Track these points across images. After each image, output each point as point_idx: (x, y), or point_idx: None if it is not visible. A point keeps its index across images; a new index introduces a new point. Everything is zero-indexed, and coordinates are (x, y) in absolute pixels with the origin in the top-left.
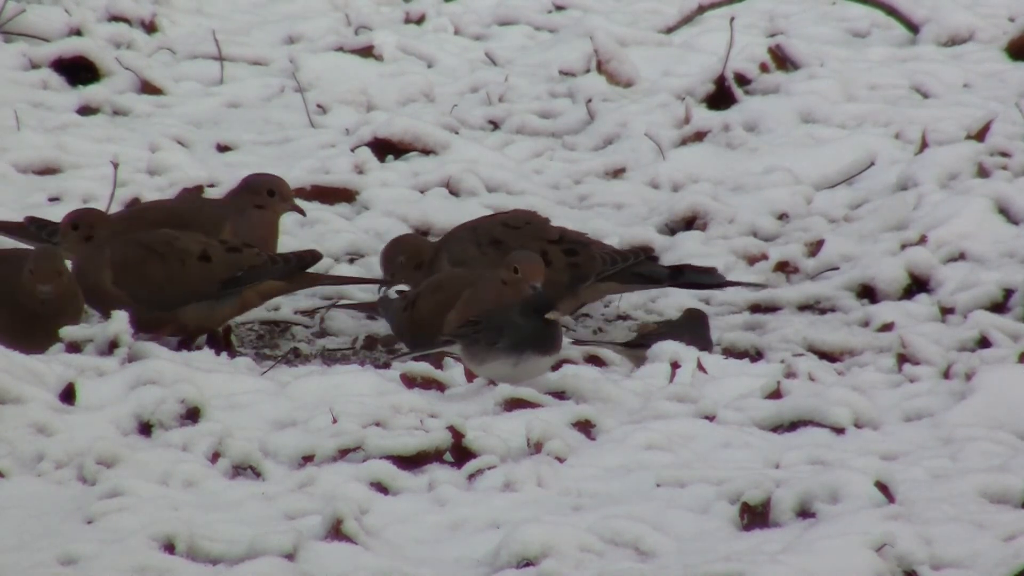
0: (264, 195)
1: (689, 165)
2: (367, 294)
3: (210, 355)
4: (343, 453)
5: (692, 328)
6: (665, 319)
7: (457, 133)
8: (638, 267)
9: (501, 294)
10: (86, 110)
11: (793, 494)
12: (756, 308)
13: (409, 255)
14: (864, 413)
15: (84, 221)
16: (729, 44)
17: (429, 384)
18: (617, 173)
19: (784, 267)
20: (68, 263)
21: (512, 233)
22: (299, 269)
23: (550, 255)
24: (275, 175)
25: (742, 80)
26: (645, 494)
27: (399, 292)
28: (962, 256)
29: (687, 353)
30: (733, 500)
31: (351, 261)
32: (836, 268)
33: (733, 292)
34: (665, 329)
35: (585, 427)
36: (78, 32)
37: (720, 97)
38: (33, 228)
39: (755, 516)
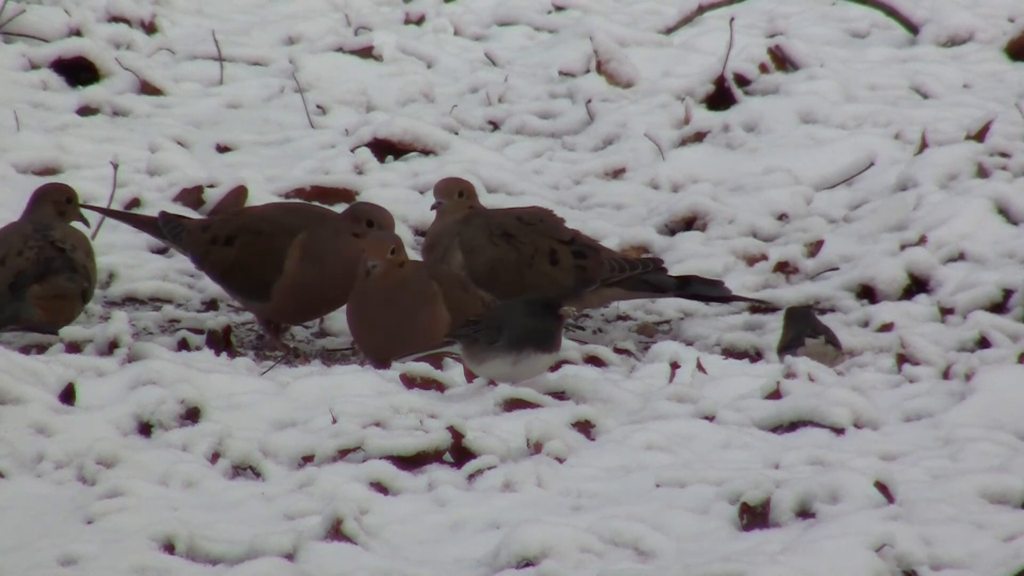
0: (363, 224)
1: (689, 165)
2: None
3: (210, 356)
4: (343, 453)
5: None
6: (665, 319)
7: (457, 133)
8: (645, 275)
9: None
10: (86, 110)
11: (793, 494)
12: (756, 308)
13: (468, 194)
14: (864, 413)
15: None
16: (729, 44)
17: (429, 384)
18: (617, 173)
19: (784, 267)
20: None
21: (525, 228)
22: None
23: (559, 254)
24: (381, 207)
25: (742, 81)
26: (645, 494)
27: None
28: (962, 256)
29: (687, 353)
30: (733, 500)
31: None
32: (836, 268)
33: (733, 292)
34: None
35: (585, 427)
36: (78, 32)
37: (720, 97)
38: (165, 227)
39: (755, 516)
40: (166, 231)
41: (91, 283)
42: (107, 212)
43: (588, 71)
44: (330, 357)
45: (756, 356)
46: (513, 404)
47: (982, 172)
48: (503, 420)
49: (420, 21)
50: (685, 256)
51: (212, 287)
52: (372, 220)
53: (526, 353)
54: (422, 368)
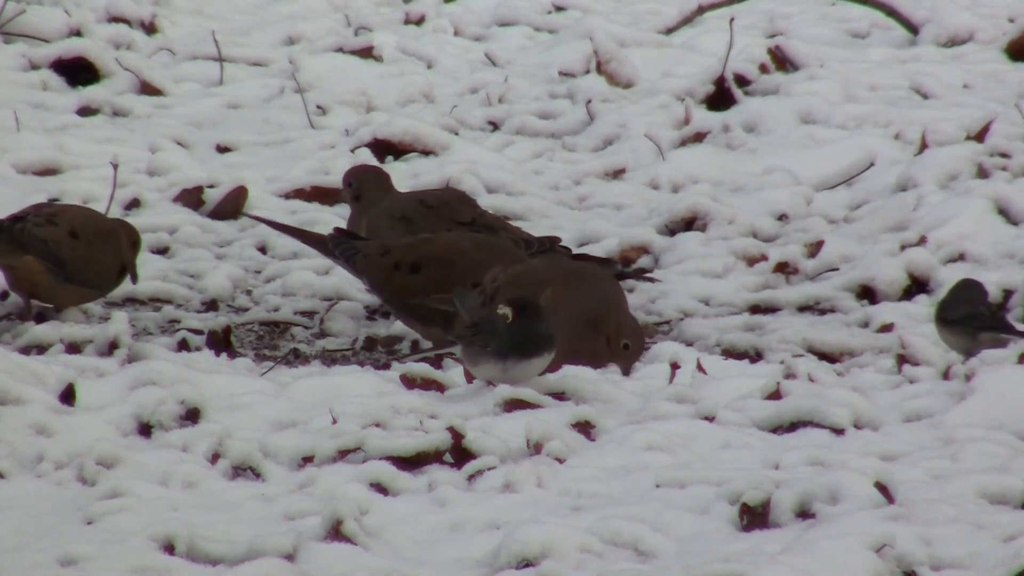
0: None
1: (689, 166)
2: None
3: (210, 356)
4: (343, 454)
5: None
6: (665, 319)
7: (457, 134)
8: (542, 254)
9: (594, 344)
10: (86, 111)
11: (793, 495)
12: (756, 309)
13: (359, 184)
14: (864, 414)
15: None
16: (729, 45)
17: (429, 385)
18: (617, 174)
19: (784, 268)
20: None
21: (425, 212)
22: None
23: None
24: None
25: (742, 81)
26: (645, 495)
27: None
28: (962, 257)
29: (687, 353)
30: (733, 501)
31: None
32: (836, 269)
33: (733, 293)
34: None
35: (585, 428)
36: (78, 33)
37: (720, 98)
38: (337, 247)
39: (755, 517)
40: (338, 252)
41: (67, 265)
42: (274, 225)
43: (588, 71)
44: (330, 358)
45: (756, 357)
46: (513, 405)
47: (982, 172)
48: (503, 421)
49: (420, 21)
50: (685, 256)
51: (212, 287)
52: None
53: (512, 361)
54: (422, 369)
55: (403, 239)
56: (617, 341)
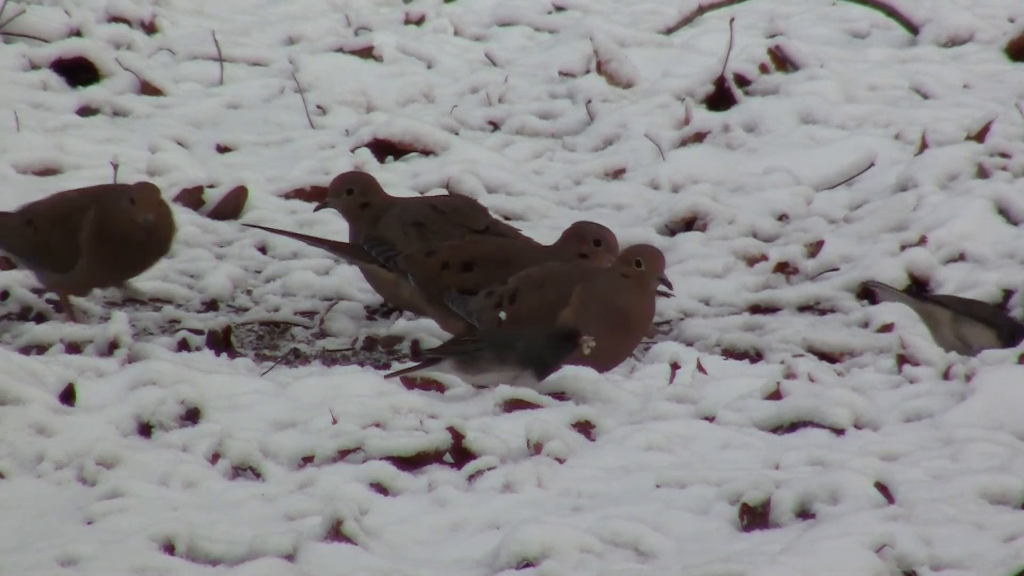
0: (590, 244)
1: (689, 166)
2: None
3: (210, 356)
4: (343, 454)
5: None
6: (665, 319)
7: (457, 134)
8: None
9: (622, 288)
10: (86, 111)
11: (793, 495)
12: (756, 309)
13: (363, 189)
14: (864, 414)
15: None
16: (729, 45)
17: (429, 385)
18: (617, 174)
19: (784, 268)
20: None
21: (437, 217)
22: None
23: None
24: (602, 226)
25: (742, 81)
26: (645, 495)
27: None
28: (962, 257)
29: (687, 353)
30: (733, 501)
31: (351, 262)
32: (836, 269)
33: (733, 293)
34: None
35: (585, 428)
36: (78, 33)
37: (720, 98)
38: (374, 251)
39: (755, 517)
40: (376, 254)
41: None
42: (298, 236)
43: (588, 71)
44: (330, 358)
45: (756, 356)
46: (513, 404)
47: (982, 172)
48: (503, 420)
49: (420, 21)
50: (685, 256)
51: (212, 287)
52: (599, 240)
53: (526, 376)
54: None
55: (448, 242)
56: (631, 264)
